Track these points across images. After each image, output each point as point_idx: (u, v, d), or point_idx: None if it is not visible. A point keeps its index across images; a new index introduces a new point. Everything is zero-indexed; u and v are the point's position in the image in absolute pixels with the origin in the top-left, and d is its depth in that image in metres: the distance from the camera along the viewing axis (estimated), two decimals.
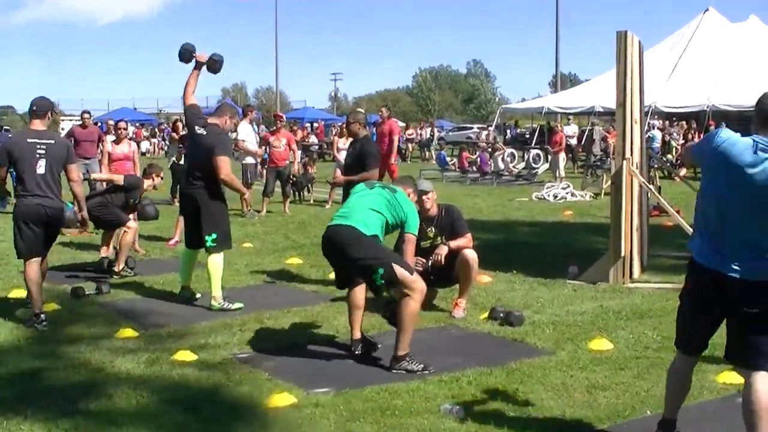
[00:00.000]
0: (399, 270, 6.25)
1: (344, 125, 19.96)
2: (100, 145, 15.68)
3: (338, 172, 16.10)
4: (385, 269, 6.21)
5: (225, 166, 8.41)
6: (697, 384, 5.49)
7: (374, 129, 20.22)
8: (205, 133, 8.46)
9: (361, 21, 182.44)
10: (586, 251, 11.37)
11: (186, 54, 8.95)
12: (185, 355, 6.66)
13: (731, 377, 5.68)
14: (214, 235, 8.42)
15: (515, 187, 24.17)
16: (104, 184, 11.07)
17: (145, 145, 46.21)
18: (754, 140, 4.24)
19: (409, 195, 6.98)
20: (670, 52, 34.59)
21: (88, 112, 17.23)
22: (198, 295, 8.80)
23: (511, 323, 7.60)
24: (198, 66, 8.96)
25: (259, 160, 17.82)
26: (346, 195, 9.69)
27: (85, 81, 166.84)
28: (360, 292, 6.90)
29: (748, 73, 31.82)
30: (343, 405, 5.55)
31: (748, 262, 4.27)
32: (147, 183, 11.00)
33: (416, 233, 6.80)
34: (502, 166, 26.89)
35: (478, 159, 28.40)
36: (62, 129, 58.61)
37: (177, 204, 12.91)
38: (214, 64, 8.99)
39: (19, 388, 5.96)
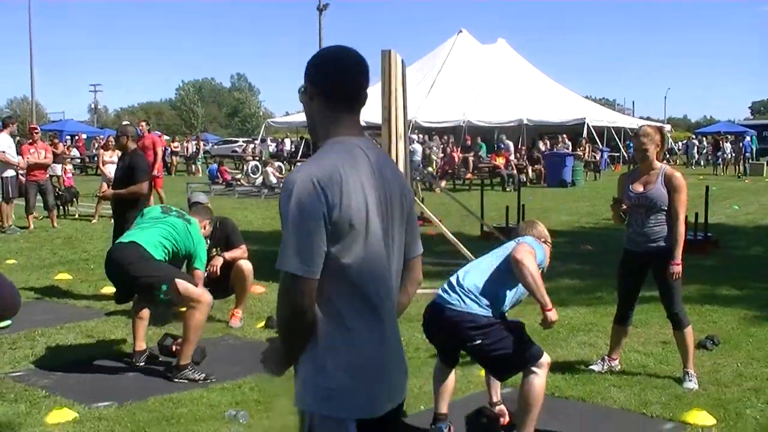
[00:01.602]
0: (182, 285, 6.39)
1: (109, 138, 19.58)
2: None
3: (105, 185, 15.77)
4: (169, 285, 6.33)
5: None
6: (464, 379, 5.99)
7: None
8: None
9: (121, 31, 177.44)
10: None
11: None
12: None
13: None
14: None
15: None
16: None
17: None
18: None
19: (204, 227, 7.17)
20: (428, 70, 36.19)
21: None
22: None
23: None
24: None
25: (20, 172, 17.06)
26: (115, 210, 9.65)
27: None
28: (144, 305, 6.90)
29: (498, 91, 33.90)
30: (127, 417, 5.58)
31: None
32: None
33: (204, 269, 7.03)
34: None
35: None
36: None
37: None
38: None
39: None
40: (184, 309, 6.70)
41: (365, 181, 2.59)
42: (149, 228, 6.79)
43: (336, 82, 2.69)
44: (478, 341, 4.85)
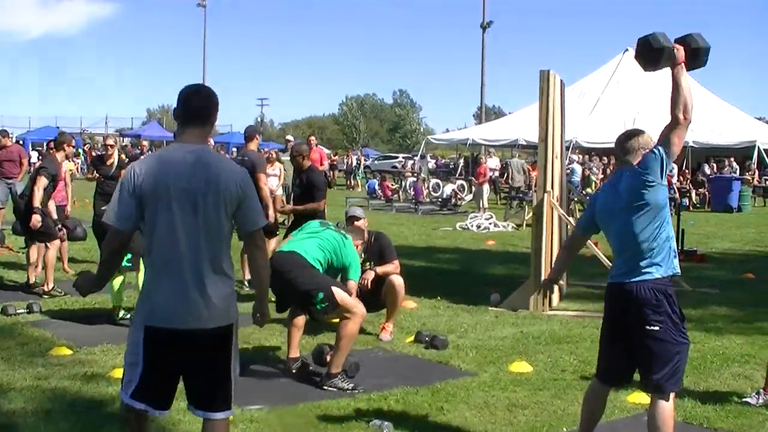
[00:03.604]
0: (339, 294, 6.61)
1: (269, 152, 20.29)
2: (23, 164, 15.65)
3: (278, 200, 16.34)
4: (325, 294, 6.54)
5: None
6: (609, 403, 5.88)
7: None
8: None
9: (288, 47, 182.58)
10: (508, 279, 11.80)
11: None
12: (121, 372, 6.79)
13: (640, 397, 6.07)
14: (128, 255, 8.49)
15: (440, 217, 24.64)
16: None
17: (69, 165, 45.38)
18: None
19: (356, 247, 7.40)
20: (591, 89, 35.65)
21: (6, 132, 16.72)
22: (128, 315, 8.89)
23: (436, 346, 7.93)
24: None
25: None
26: (293, 224, 10.04)
27: (3, 97, 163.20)
28: (300, 313, 7.21)
29: (663, 111, 32.84)
30: (276, 421, 5.80)
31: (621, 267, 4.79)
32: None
33: (357, 281, 7.29)
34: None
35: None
36: None
37: None
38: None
39: None
40: (336, 320, 6.90)
41: (171, 174, 3.88)
42: (308, 239, 7.06)
43: (180, 108, 4.08)
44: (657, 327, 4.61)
